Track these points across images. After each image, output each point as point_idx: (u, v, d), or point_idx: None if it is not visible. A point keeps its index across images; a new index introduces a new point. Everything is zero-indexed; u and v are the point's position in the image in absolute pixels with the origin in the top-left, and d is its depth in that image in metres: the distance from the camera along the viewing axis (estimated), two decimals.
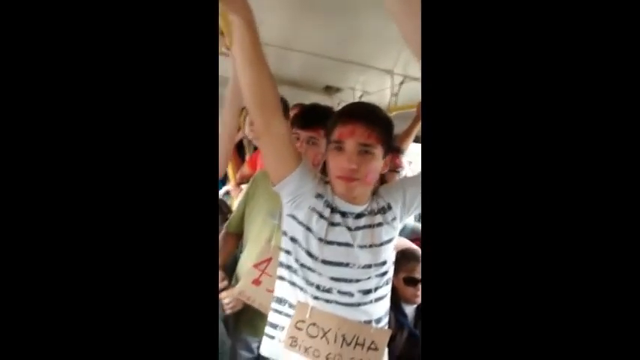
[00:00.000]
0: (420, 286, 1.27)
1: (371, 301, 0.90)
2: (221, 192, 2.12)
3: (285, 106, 1.31)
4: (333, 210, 0.90)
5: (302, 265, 0.89)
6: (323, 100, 2.11)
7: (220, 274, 1.21)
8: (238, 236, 1.35)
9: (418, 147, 1.87)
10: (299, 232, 0.89)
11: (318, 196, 0.89)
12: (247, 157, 2.29)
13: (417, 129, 1.63)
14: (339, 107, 2.43)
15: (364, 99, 2.10)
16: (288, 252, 0.92)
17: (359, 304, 0.89)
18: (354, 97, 2.12)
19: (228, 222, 1.36)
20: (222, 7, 0.72)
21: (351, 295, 0.88)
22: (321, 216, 0.89)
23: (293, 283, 0.91)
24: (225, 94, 1.10)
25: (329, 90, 2.17)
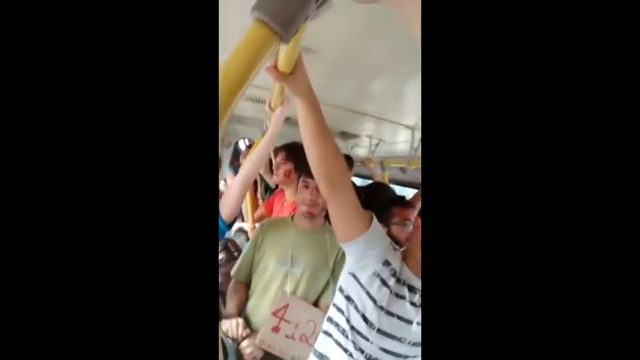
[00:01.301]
0: None
1: None
2: (233, 229, 2.13)
3: (349, 161, 1.31)
4: (399, 281, 0.88)
5: (353, 328, 0.87)
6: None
7: (240, 321, 1.21)
8: (248, 285, 1.36)
9: None
10: (356, 293, 0.88)
11: (386, 263, 0.88)
12: (259, 195, 2.34)
13: None
14: (352, 151, 2.50)
15: (380, 147, 2.18)
16: (340, 310, 0.90)
17: None
18: (371, 144, 2.20)
19: (236, 271, 1.37)
20: (285, 88, 0.78)
21: None
22: (385, 284, 0.87)
23: (339, 344, 0.89)
24: (259, 146, 1.16)
25: (344, 135, 2.25)
